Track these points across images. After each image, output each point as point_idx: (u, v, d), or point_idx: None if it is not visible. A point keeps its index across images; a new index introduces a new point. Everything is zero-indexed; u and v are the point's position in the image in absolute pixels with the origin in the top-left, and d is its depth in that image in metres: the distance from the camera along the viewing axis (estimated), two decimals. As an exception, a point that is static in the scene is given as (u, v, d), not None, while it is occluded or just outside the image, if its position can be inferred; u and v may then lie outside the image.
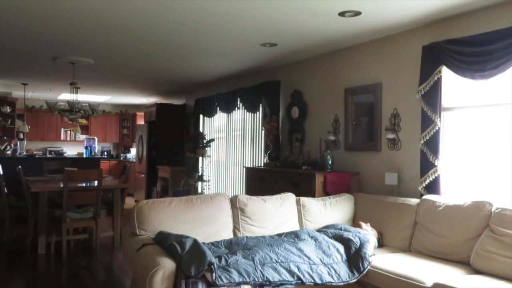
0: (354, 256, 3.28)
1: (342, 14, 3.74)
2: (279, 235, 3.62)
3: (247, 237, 3.58)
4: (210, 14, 3.85)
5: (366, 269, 3.18)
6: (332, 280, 3.08)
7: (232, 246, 3.31)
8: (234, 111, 7.18)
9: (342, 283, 3.12)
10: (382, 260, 3.25)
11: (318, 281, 3.03)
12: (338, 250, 3.32)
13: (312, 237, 3.46)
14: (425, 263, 3.21)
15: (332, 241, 3.45)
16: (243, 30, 4.35)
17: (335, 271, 3.14)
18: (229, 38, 4.66)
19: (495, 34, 3.30)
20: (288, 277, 2.95)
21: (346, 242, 3.42)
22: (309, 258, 3.16)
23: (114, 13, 3.87)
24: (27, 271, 4.71)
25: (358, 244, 3.37)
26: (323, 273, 3.08)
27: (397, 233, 3.75)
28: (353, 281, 3.17)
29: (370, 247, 3.36)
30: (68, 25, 4.28)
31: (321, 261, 3.19)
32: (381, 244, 3.77)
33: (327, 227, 3.89)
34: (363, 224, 3.82)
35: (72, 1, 3.57)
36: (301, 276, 2.99)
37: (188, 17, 3.96)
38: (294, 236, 3.49)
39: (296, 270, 3.00)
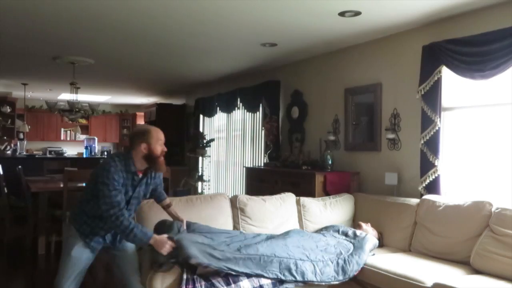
0: (345, 260, 3.22)
1: (342, 14, 3.74)
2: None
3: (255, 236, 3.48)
4: (210, 14, 3.85)
5: (353, 274, 3.15)
6: (314, 279, 3.02)
7: (232, 240, 3.26)
8: (234, 111, 7.18)
9: (324, 283, 3.06)
10: (382, 260, 3.25)
11: (299, 278, 2.97)
12: (328, 250, 3.29)
13: (305, 235, 3.46)
14: (425, 263, 3.21)
15: (326, 238, 3.44)
16: (243, 30, 4.35)
17: (320, 270, 3.07)
18: (229, 38, 4.66)
19: (495, 34, 3.30)
20: (268, 273, 2.91)
21: (340, 246, 3.39)
22: (293, 253, 3.10)
23: (114, 13, 3.87)
24: (27, 271, 4.71)
25: (351, 250, 3.32)
26: (306, 271, 3.02)
27: (397, 233, 3.75)
28: (336, 283, 3.10)
29: (364, 252, 3.31)
30: (68, 25, 4.28)
31: (307, 257, 3.14)
32: (381, 244, 3.77)
33: (326, 228, 3.88)
34: (363, 225, 3.82)
35: (72, 1, 3.57)
36: (280, 274, 2.94)
37: (188, 17, 3.96)
38: (285, 234, 3.51)
39: (277, 266, 2.96)
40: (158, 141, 2.79)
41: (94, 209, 2.64)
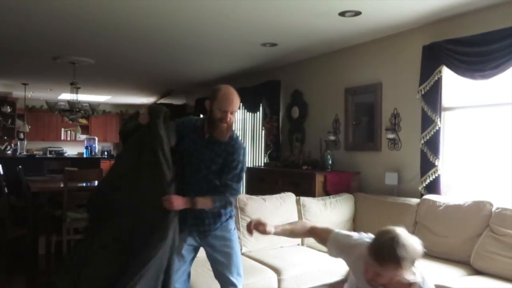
0: None
1: (342, 14, 3.74)
2: None
3: None
4: (211, 14, 3.85)
5: None
6: None
7: None
8: (234, 111, 7.17)
9: None
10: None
11: None
12: None
13: None
14: (425, 264, 3.20)
15: None
16: (243, 30, 4.35)
17: None
18: (229, 38, 4.66)
19: (495, 34, 3.30)
20: None
21: None
22: None
23: (114, 13, 3.87)
24: (27, 271, 4.70)
25: None
26: None
27: (397, 233, 3.74)
28: None
29: None
30: (68, 25, 4.28)
31: None
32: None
33: None
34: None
35: (72, 1, 3.57)
36: None
37: (188, 17, 3.96)
38: None
39: None
40: (220, 104, 2.42)
41: None
